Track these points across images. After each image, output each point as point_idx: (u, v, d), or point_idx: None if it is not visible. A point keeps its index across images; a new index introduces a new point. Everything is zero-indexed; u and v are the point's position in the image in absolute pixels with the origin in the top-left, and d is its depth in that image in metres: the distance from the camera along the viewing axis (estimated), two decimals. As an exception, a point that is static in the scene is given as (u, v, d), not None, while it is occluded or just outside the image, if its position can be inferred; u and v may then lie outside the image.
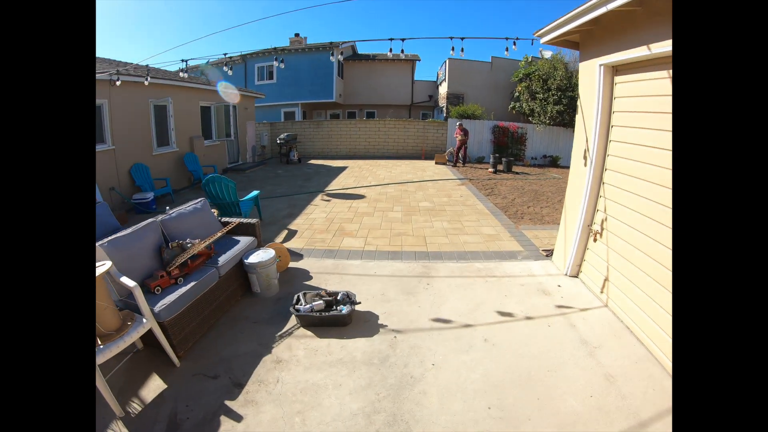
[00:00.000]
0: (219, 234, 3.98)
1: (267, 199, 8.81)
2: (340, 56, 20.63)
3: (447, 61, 19.13)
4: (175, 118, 10.13)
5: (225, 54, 4.98)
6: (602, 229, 4.00)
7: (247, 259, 3.89)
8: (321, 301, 3.45)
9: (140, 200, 7.70)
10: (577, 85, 14.18)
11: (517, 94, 16.44)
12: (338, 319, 3.34)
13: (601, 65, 3.86)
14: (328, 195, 9.17)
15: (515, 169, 13.52)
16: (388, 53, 5.80)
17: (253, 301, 3.97)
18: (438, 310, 3.80)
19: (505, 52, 5.56)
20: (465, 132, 13.72)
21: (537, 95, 15.11)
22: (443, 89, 19.94)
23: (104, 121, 7.73)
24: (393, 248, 5.58)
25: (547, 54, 15.73)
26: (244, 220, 4.54)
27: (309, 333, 3.33)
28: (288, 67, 19.76)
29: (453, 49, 5.12)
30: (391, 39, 5.33)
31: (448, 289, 4.30)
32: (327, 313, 3.33)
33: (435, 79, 22.50)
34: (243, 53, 20.37)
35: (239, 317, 3.64)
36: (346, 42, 20.63)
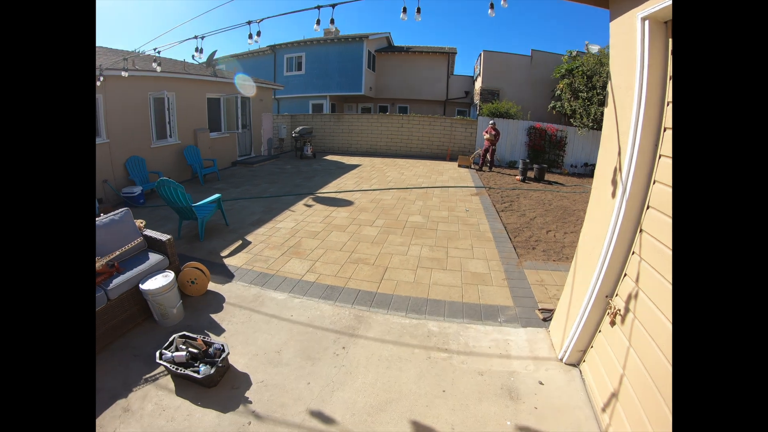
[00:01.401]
0: (117, 252, 3.51)
1: (249, 200, 7.81)
2: (371, 48, 19.16)
3: (482, 53, 16.97)
4: (178, 111, 9.60)
5: (253, 38, 3.72)
6: (626, 309, 2.25)
7: (142, 284, 3.34)
8: (184, 353, 2.72)
9: (128, 194, 7.45)
10: None
11: (558, 92, 14.07)
12: (194, 380, 2.61)
13: (644, 19, 2.11)
14: (316, 199, 7.86)
15: (549, 177, 11.33)
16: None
17: (149, 328, 3.36)
18: (327, 399, 2.53)
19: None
20: (497, 133, 11.72)
21: (580, 94, 12.72)
22: (478, 84, 17.84)
23: (99, 115, 7.50)
24: (336, 281, 4.15)
25: (594, 48, 13.32)
26: (156, 236, 3.91)
27: (171, 385, 2.67)
28: (317, 58, 18.70)
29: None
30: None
31: (365, 361, 2.86)
32: (183, 371, 2.62)
33: (472, 74, 20.36)
34: (272, 45, 19.58)
35: (126, 346, 3.10)
36: (376, 33, 19.18)
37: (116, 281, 3.23)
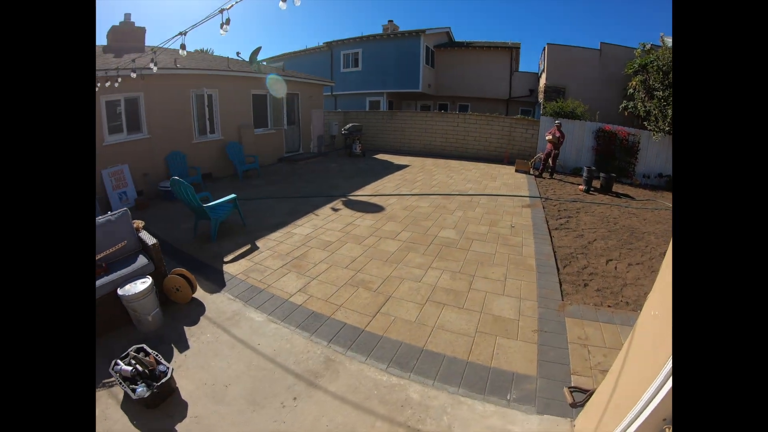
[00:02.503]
0: (104, 253, 3.36)
1: (278, 199, 7.44)
2: (429, 43, 18.05)
3: (546, 47, 15.06)
4: (221, 107, 9.58)
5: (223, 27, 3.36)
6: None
7: (121, 288, 3.17)
8: (130, 369, 2.51)
9: (164, 188, 7.49)
10: None
11: (630, 90, 11.90)
12: (134, 399, 2.38)
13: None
14: (346, 202, 7.25)
15: (617, 188, 9.57)
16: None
17: (128, 332, 3.18)
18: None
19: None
20: (562, 135, 10.20)
21: (655, 93, 10.53)
22: (542, 81, 15.95)
23: (141, 112, 7.65)
24: (324, 308, 3.49)
25: (670, 41, 11.06)
26: (144, 238, 3.72)
27: (121, 395, 2.49)
28: (374, 54, 18.06)
29: None
30: None
31: (310, 426, 2.22)
32: (125, 386, 2.41)
33: (537, 71, 18.39)
34: (328, 41, 19.37)
35: (102, 347, 2.94)
36: (434, 28, 17.99)
37: (98, 282, 3.11)
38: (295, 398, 2.41)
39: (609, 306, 3.64)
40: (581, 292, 3.90)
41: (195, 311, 3.50)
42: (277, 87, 10.96)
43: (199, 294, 3.78)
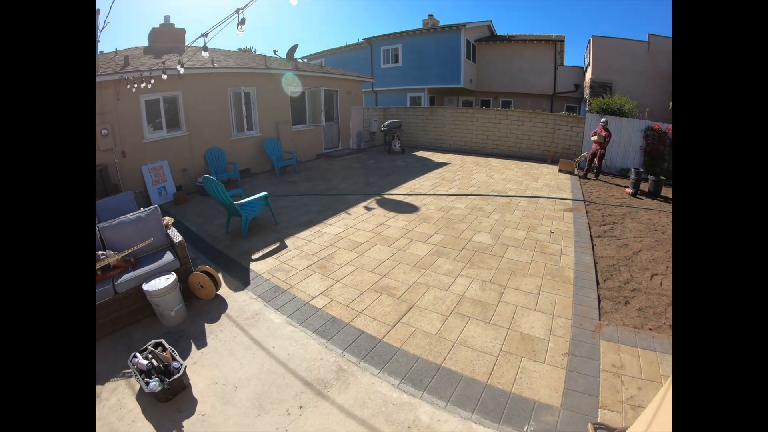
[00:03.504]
0: (132, 249, 3.43)
1: (312, 196, 7.47)
2: (470, 37, 17.33)
3: (591, 39, 13.93)
4: (259, 104, 9.75)
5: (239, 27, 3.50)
6: None
7: (146, 283, 3.27)
8: (146, 363, 2.57)
9: (202, 183, 7.67)
10: None
11: None
12: (146, 392, 2.44)
13: None
14: (380, 201, 7.15)
15: (667, 193, 8.71)
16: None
17: (150, 323, 3.32)
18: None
19: None
20: (608, 134, 9.45)
21: None
22: (588, 76, 14.81)
23: (180, 110, 7.84)
24: (343, 313, 3.44)
25: None
26: (172, 235, 3.82)
27: (137, 386, 2.55)
28: (414, 50, 17.63)
29: None
30: None
31: None
32: (140, 379, 2.48)
33: (582, 65, 17.10)
34: (368, 37, 19.18)
35: (125, 336, 3.12)
36: (475, 22, 17.22)
37: (126, 276, 3.25)
38: (301, 407, 2.37)
39: (650, 329, 3.28)
40: (621, 311, 3.55)
41: (217, 309, 3.56)
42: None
43: (224, 291, 3.85)
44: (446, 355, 2.84)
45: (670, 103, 11.15)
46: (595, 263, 4.58)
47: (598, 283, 4.07)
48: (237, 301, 3.68)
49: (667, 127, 10.24)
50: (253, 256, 4.66)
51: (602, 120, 9.78)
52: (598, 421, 2.27)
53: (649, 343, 3.05)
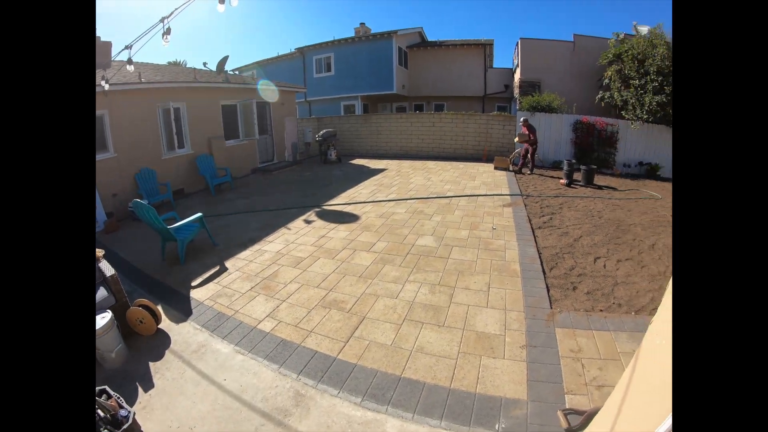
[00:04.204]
0: None
1: (250, 213, 7.19)
2: (402, 44, 18.18)
3: (519, 42, 15.35)
4: (189, 120, 9.41)
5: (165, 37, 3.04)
6: None
7: None
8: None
9: (133, 208, 6.92)
10: None
11: (606, 80, 12.17)
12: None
13: None
14: (320, 213, 7.01)
15: (599, 180, 9.60)
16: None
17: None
18: None
19: None
20: (530, 133, 10.18)
21: (631, 82, 10.84)
22: (517, 76, 16.19)
23: (106, 130, 7.47)
24: (294, 334, 3.25)
25: (644, 29, 11.42)
26: (103, 269, 3.48)
27: None
28: (346, 58, 18.09)
29: None
30: None
31: None
32: None
33: (511, 66, 18.66)
34: (300, 47, 19.31)
35: None
36: (406, 29, 18.17)
37: None
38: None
39: (601, 310, 3.49)
40: (570, 297, 3.75)
41: (160, 344, 3.28)
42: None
43: (165, 324, 3.54)
44: (405, 364, 2.77)
45: (597, 97, 12.44)
46: (540, 254, 4.81)
47: (544, 273, 4.27)
48: (180, 333, 3.39)
49: (595, 119, 11.37)
50: (193, 283, 4.32)
51: (521, 119, 10.60)
52: (567, 407, 2.33)
53: (602, 323, 3.24)
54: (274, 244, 5.41)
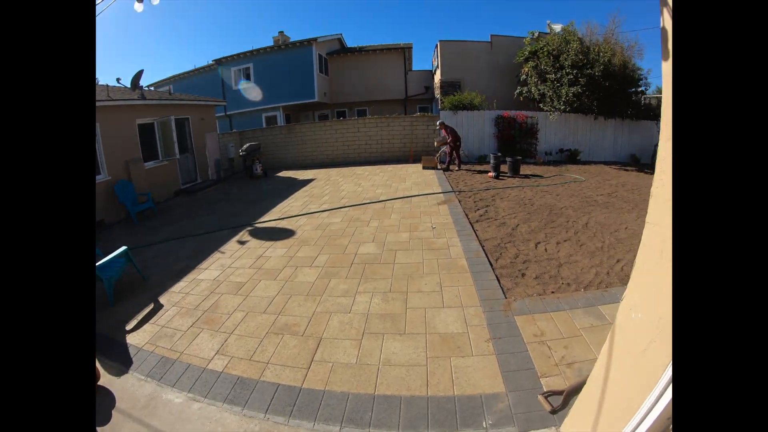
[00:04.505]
0: None
1: (179, 240, 6.57)
2: (322, 51, 18.25)
3: (439, 44, 16.27)
4: (104, 142, 8.50)
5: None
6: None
7: None
8: None
9: None
10: (597, 61, 11.10)
11: (523, 76, 13.29)
12: None
13: None
14: (253, 232, 6.60)
15: (525, 170, 10.33)
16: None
17: None
18: None
19: None
20: (448, 133, 10.66)
21: (547, 76, 12.03)
22: (437, 77, 17.05)
23: None
24: (249, 369, 2.95)
25: (557, 27, 12.75)
26: None
27: None
28: (266, 68, 17.73)
29: None
30: None
31: None
32: None
33: (431, 68, 19.56)
34: (217, 58, 18.63)
35: None
36: (326, 36, 18.30)
37: None
38: None
39: (552, 292, 3.66)
40: (521, 284, 3.88)
41: (104, 405, 2.81)
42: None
43: (106, 380, 3.02)
44: (376, 381, 2.63)
45: (515, 93, 13.40)
46: (483, 247, 4.96)
47: (491, 265, 4.40)
48: (124, 388, 2.92)
49: (515, 113, 12.28)
50: (128, 327, 3.76)
51: (438, 122, 11.15)
52: (546, 390, 2.40)
53: (557, 304, 3.39)
54: (209, 271, 4.96)
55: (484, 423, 2.23)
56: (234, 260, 5.22)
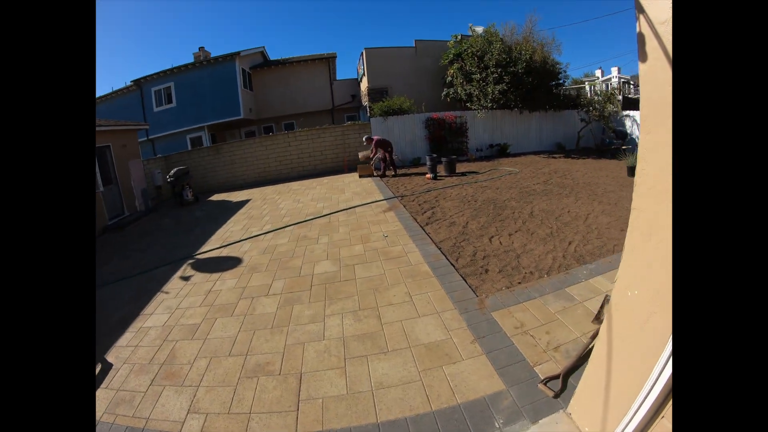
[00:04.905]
0: None
1: (117, 283, 5.80)
2: (245, 66, 17.65)
3: (364, 52, 16.45)
4: None
5: None
6: None
7: None
8: None
9: None
10: (519, 59, 12.00)
11: (449, 78, 13.90)
12: None
13: None
14: (195, 264, 6.02)
15: (460, 168, 10.72)
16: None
17: None
18: None
19: None
20: (376, 145, 10.85)
21: (473, 76, 12.73)
22: (364, 85, 17.23)
23: None
24: (233, 427, 2.56)
25: (479, 29, 13.53)
26: None
27: None
28: (188, 86, 16.77)
29: None
30: None
31: None
32: None
33: (356, 76, 19.70)
34: (136, 78, 17.23)
35: None
36: (248, 50, 17.68)
37: None
38: None
39: (519, 283, 3.77)
40: (488, 281, 3.95)
41: None
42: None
43: None
44: (374, 408, 2.48)
45: (442, 94, 13.89)
46: (440, 249, 5.00)
47: (454, 266, 4.44)
48: None
49: (444, 114, 12.80)
50: None
51: (364, 137, 11.37)
52: (543, 377, 2.48)
53: (527, 294, 3.50)
54: (156, 316, 4.39)
55: (496, 423, 2.21)
56: (181, 300, 4.72)
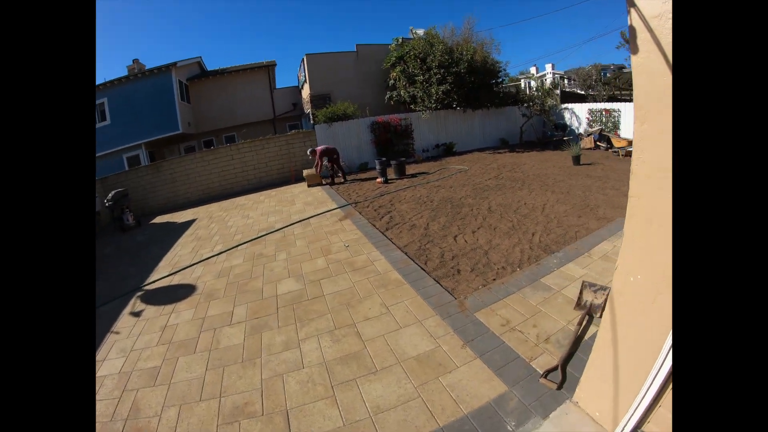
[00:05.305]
0: None
1: None
2: (182, 77, 16.66)
3: (305, 58, 16.12)
4: None
5: None
6: None
7: None
8: None
9: None
10: (461, 59, 12.28)
11: (392, 81, 13.99)
12: None
13: None
14: (144, 297, 5.38)
15: (409, 170, 10.78)
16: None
17: None
18: None
19: None
20: (319, 156, 10.71)
21: (416, 78, 12.92)
22: (306, 92, 16.89)
23: None
24: None
25: (420, 32, 13.77)
26: None
27: None
28: (122, 101, 15.50)
29: None
30: None
31: None
32: None
33: (297, 84, 19.27)
34: None
35: None
36: (184, 60, 16.66)
37: None
38: None
39: (494, 279, 3.76)
40: (462, 281, 3.91)
41: None
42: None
43: None
44: (376, 435, 2.32)
45: (386, 97, 13.89)
46: (406, 254, 4.89)
47: (425, 270, 4.34)
48: None
49: (389, 117, 12.86)
50: None
51: (308, 150, 11.29)
52: (542, 372, 2.49)
53: (505, 289, 3.50)
54: (110, 362, 3.80)
55: (508, 426, 2.17)
56: (135, 339, 4.19)
